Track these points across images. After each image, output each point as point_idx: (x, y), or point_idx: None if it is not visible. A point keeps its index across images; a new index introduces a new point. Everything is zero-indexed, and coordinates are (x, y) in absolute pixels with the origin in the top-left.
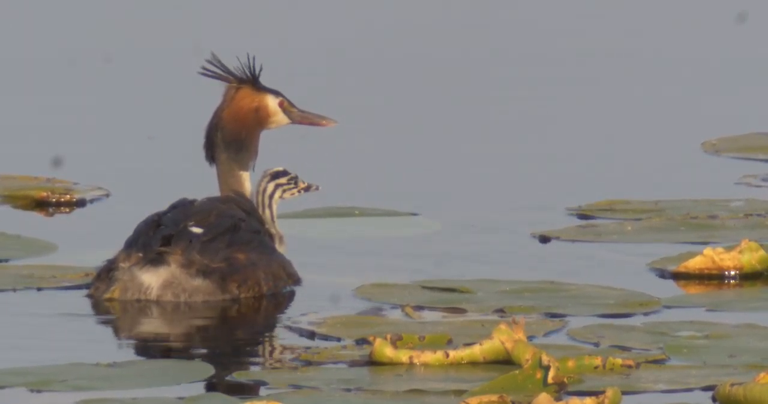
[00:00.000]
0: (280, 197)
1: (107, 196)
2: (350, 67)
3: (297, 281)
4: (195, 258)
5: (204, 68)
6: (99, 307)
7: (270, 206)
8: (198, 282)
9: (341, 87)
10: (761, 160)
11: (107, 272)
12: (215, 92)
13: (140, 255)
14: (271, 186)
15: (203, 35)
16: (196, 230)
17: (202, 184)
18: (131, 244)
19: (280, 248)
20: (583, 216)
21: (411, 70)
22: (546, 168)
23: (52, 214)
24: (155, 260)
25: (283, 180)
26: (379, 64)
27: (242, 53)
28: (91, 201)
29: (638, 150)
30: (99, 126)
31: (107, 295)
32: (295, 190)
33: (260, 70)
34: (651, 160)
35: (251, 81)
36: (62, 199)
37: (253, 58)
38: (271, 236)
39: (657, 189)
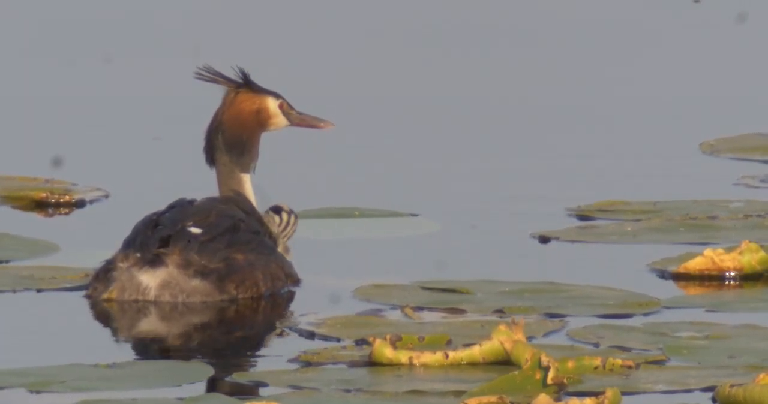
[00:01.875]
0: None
1: (106, 196)
2: (350, 67)
3: (296, 281)
4: (193, 259)
5: (198, 73)
6: (97, 308)
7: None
8: (196, 282)
9: (341, 87)
10: (759, 161)
11: (105, 272)
12: (215, 93)
13: (138, 255)
14: (293, 220)
15: (203, 35)
16: (195, 230)
17: (202, 184)
18: (129, 244)
19: (287, 257)
20: (582, 217)
21: (411, 70)
22: (546, 168)
23: (51, 215)
24: (153, 261)
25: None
26: (379, 63)
27: (242, 53)
28: (91, 201)
29: (637, 150)
30: (99, 126)
31: (105, 295)
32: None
33: (248, 73)
34: (650, 161)
35: (247, 83)
36: (61, 200)
37: (242, 69)
38: (271, 236)
39: (656, 190)
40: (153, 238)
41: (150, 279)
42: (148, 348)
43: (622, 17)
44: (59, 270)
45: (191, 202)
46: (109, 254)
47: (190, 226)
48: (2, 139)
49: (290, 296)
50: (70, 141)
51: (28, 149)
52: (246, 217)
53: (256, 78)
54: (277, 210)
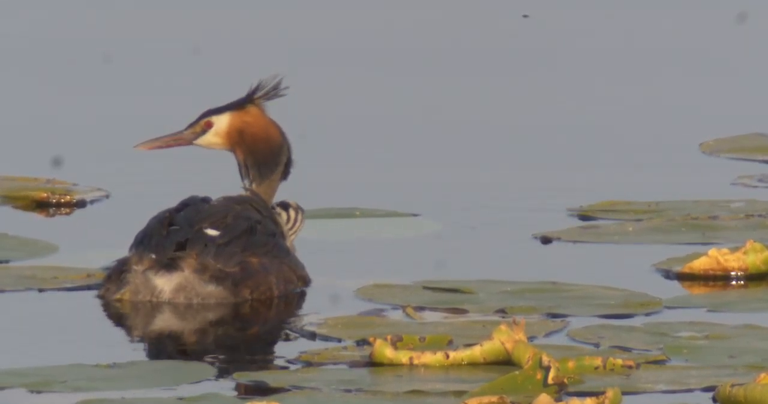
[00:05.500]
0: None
1: (107, 196)
2: (351, 66)
3: (307, 283)
4: (209, 264)
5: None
6: (102, 308)
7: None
8: (211, 288)
9: (341, 87)
10: (759, 161)
11: (119, 274)
12: (213, 93)
13: (153, 257)
14: (300, 217)
15: (203, 35)
16: (212, 232)
17: (202, 184)
18: (142, 244)
19: None
20: (584, 217)
21: (412, 70)
22: (547, 169)
23: (52, 215)
24: (169, 265)
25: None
26: (380, 63)
27: (242, 53)
28: (91, 202)
29: (638, 150)
30: (99, 126)
31: (117, 296)
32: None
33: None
34: (650, 161)
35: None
36: (62, 200)
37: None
38: (282, 234)
39: (656, 190)
40: (169, 241)
41: (165, 284)
42: (150, 348)
43: (621, 16)
44: (61, 270)
45: (204, 200)
46: (110, 254)
47: (207, 228)
48: (2, 139)
49: (292, 296)
50: (70, 141)
51: (28, 149)
52: (262, 219)
53: (255, 80)
54: (284, 206)
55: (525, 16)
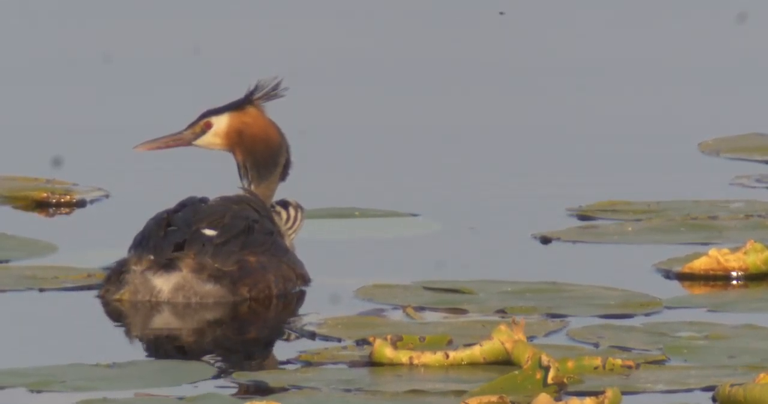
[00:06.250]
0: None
1: (107, 196)
2: (350, 66)
3: (307, 282)
4: (207, 263)
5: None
6: (101, 308)
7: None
8: (209, 287)
9: (341, 86)
10: (758, 161)
11: (118, 275)
12: (213, 93)
13: (151, 258)
14: (300, 216)
15: (203, 35)
16: (210, 232)
17: (202, 184)
18: (141, 245)
19: None
20: (583, 217)
21: (412, 70)
22: (546, 169)
23: (52, 215)
24: (167, 265)
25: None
26: (380, 63)
27: (242, 53)
28: (91, 201)
29: (637, 150)
30: (99, 126)
31: (117, 296)
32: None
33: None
34: (649, 161)
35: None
36: (62, 200)
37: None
38: (281, 234)
39: (656, 190)
40: (167, 241)
41: (163, 283)
42: (149, 348)
43: (621, 16)
44: (61, 270)
45: (203, 201)
46: (110, 254)
47: (205, 228)
48: (2, 139)
49: (292, 296)
50: (70, 141)
51: (28, 149)
52: (260, 218)
53: (255, 79)
54: (284, 204)
55: (501, 14)
